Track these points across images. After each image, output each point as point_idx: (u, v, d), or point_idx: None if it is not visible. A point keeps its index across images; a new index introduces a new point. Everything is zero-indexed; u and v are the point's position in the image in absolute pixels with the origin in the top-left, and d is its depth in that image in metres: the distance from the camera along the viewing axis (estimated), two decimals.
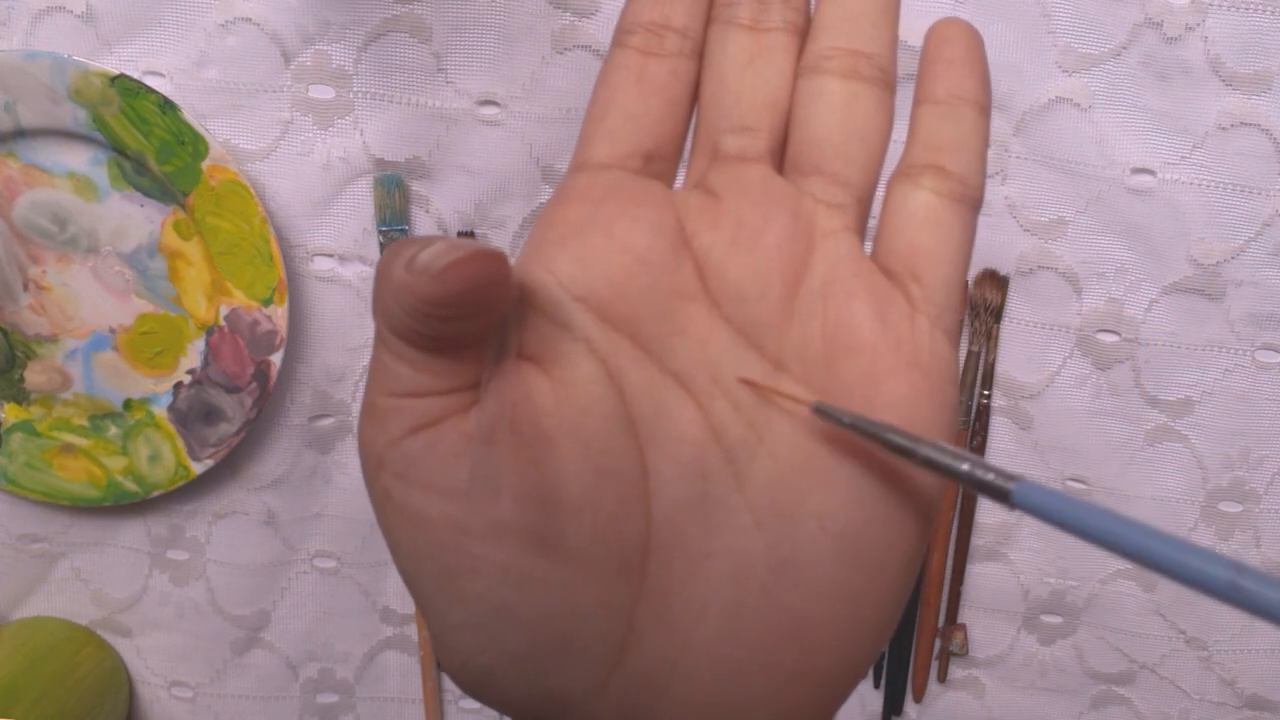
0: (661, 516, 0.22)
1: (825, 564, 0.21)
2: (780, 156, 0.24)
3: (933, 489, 0.22)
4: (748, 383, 0.22)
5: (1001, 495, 0.19)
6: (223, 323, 0.49)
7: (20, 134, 0.47)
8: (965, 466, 0.20)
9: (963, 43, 0.23)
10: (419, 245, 0.20)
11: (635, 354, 0.22)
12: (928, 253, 0.23)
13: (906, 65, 0.47)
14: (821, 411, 0.22)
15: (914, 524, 0.22)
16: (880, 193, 0.25)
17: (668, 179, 0.24)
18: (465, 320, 0.20)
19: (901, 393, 0.22)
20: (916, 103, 0.24)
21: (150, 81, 0.47)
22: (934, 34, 0.24)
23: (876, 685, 0.55)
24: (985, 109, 0.24)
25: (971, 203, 0.23)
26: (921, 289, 0.23)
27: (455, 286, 0.19)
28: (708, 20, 0.24)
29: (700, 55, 0.24)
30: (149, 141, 0.46)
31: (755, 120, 0.24)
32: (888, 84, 0.24)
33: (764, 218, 0.23)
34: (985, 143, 0.24)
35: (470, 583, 0.21)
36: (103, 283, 0.50)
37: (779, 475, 0.22)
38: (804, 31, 0.24)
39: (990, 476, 0.20)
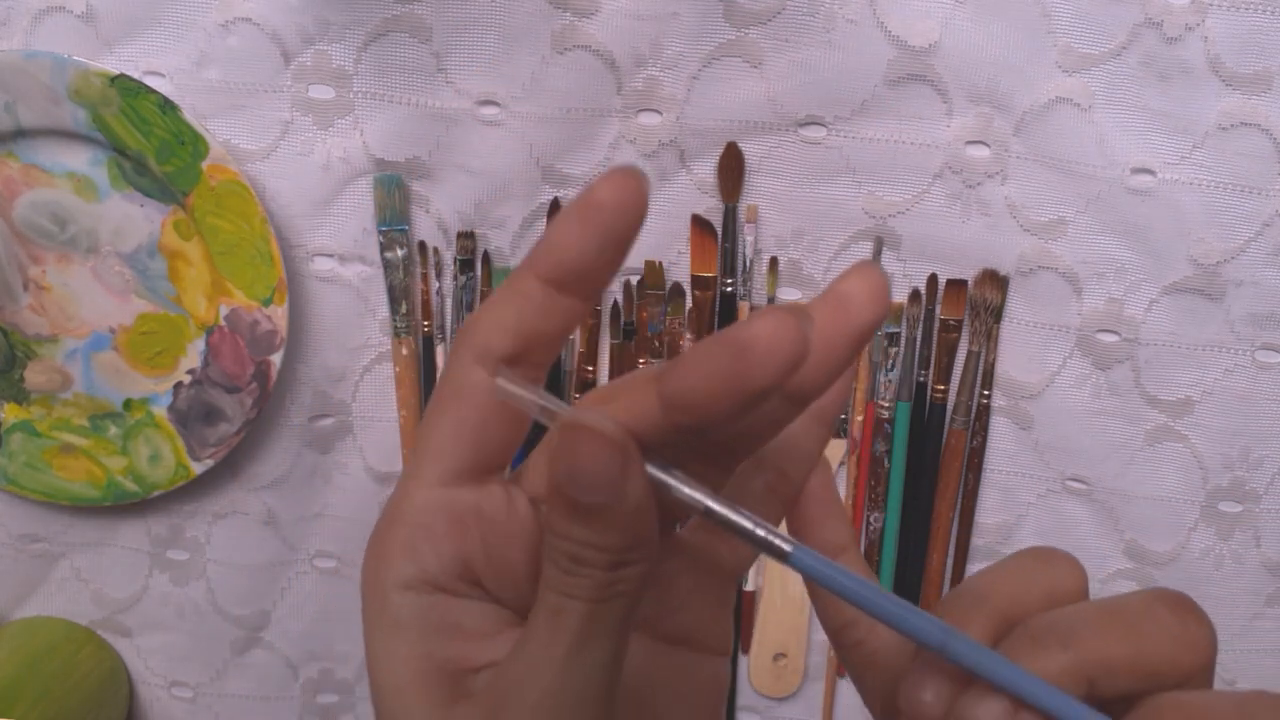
0: None
1: None
2: None
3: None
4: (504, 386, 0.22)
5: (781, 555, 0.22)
6: (223, 323, 0.49)
7: (20, 134, 0.47)
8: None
9: None
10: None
11: None
12: None
13: (907, 65, 0.47)
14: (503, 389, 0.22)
15: None
16: None
17: None
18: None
19: None
20: None
21: (150, 81, 0.47)
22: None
23: None
24: None
25: None
26: None
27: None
28: None
29: None
30: (149, 141, 0.46)
31: None
32: None
33: None
34: None
35: None
36: (103, 283, 0.50)
37: None
38: None
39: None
